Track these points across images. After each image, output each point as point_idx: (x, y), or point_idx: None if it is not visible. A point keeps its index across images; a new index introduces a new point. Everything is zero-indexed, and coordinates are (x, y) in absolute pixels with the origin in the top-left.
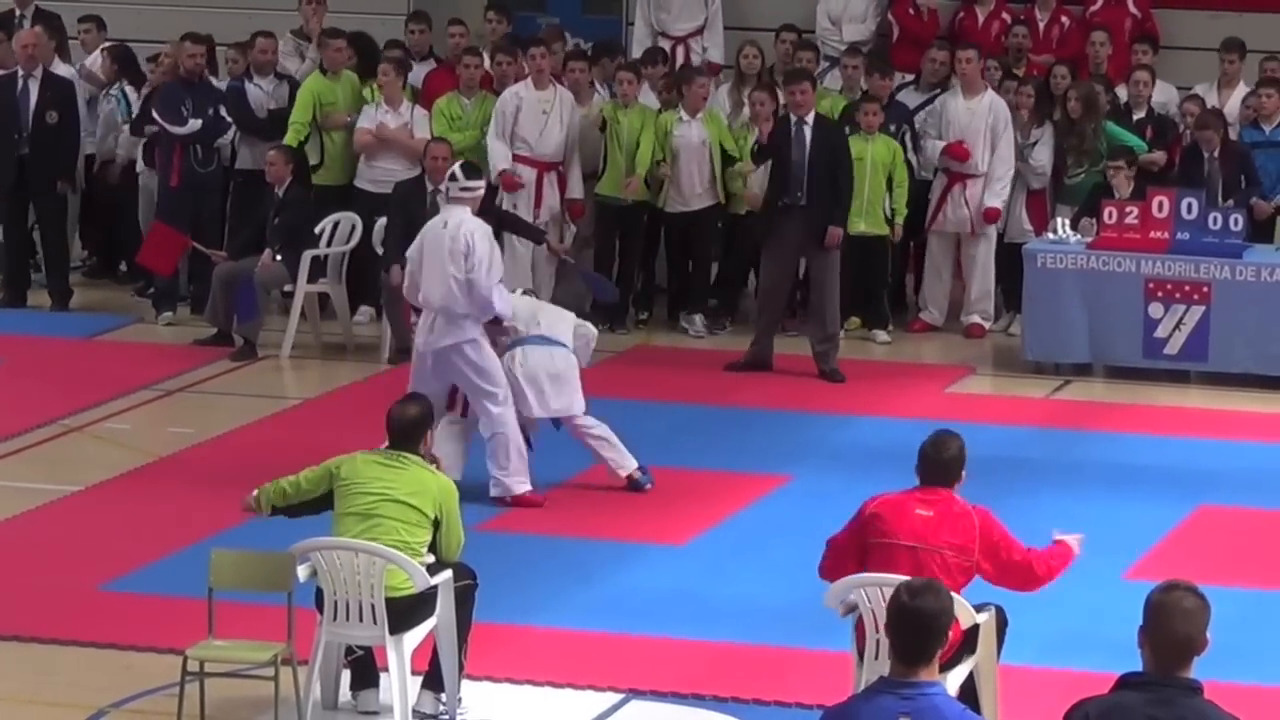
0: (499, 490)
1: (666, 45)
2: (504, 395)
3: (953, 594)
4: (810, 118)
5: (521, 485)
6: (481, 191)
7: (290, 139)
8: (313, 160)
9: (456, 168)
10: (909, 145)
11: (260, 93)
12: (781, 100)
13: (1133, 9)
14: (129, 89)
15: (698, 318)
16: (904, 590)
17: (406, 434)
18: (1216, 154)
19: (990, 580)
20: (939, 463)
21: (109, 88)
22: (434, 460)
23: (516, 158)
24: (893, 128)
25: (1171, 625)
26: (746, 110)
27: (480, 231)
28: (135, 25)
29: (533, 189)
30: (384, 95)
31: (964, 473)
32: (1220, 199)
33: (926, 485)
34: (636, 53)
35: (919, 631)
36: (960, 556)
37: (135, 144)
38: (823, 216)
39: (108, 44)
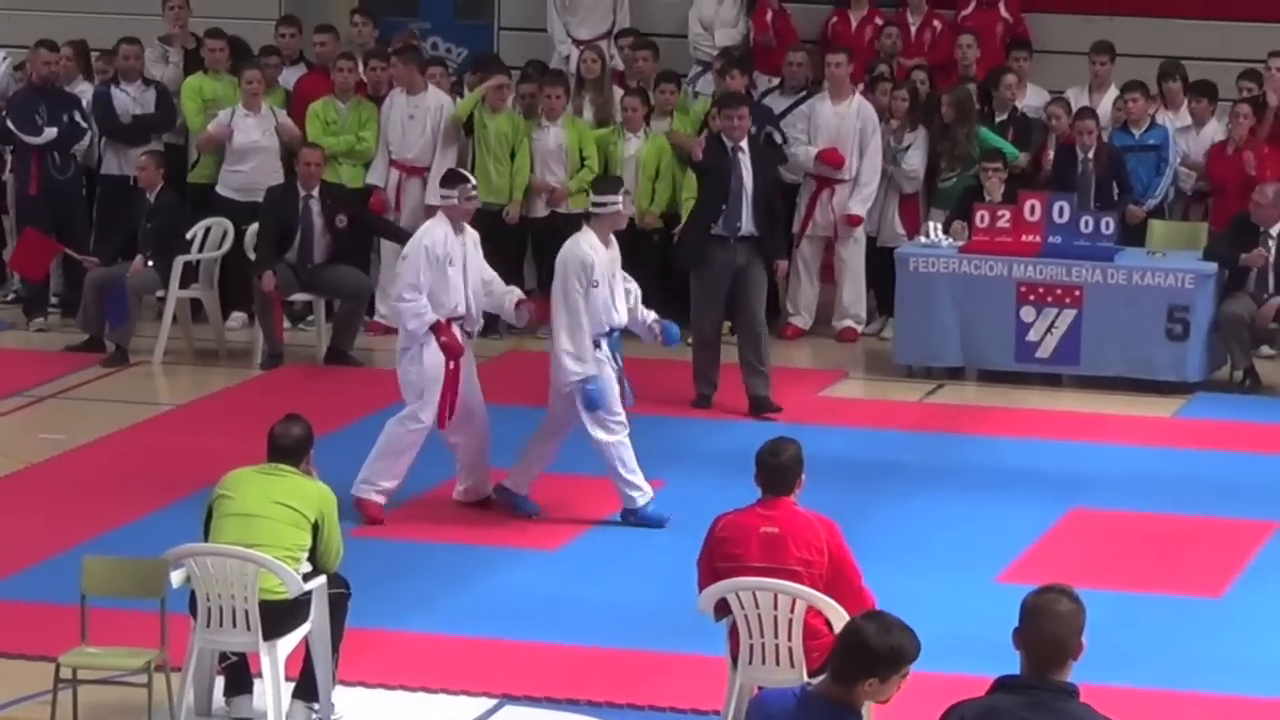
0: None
1: (575, 50)
2: (409, 412)
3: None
4: (745, 143)
5: (373, 493)
6: (452, 200)
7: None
8: (191, 158)
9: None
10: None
11: (126, 98)
12: (716, 124)
13: (1004, 13)
14: None
15: None
16: (861, 620)
17: (289, 452)
18: (1092, 154)
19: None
20: (776, 467)
21: None
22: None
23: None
24: (753, 130)
25: (1047, 628)
26: (588, 114)
27: (413, 240)
28: (4, 32)
29: (394, 192)
30: (244, 99)
31: (803, 477)
32: (1093, 202)
33: (767, 495)
34: (556, 60)
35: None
36: (811, 570)
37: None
38: (766, 247)
39: None
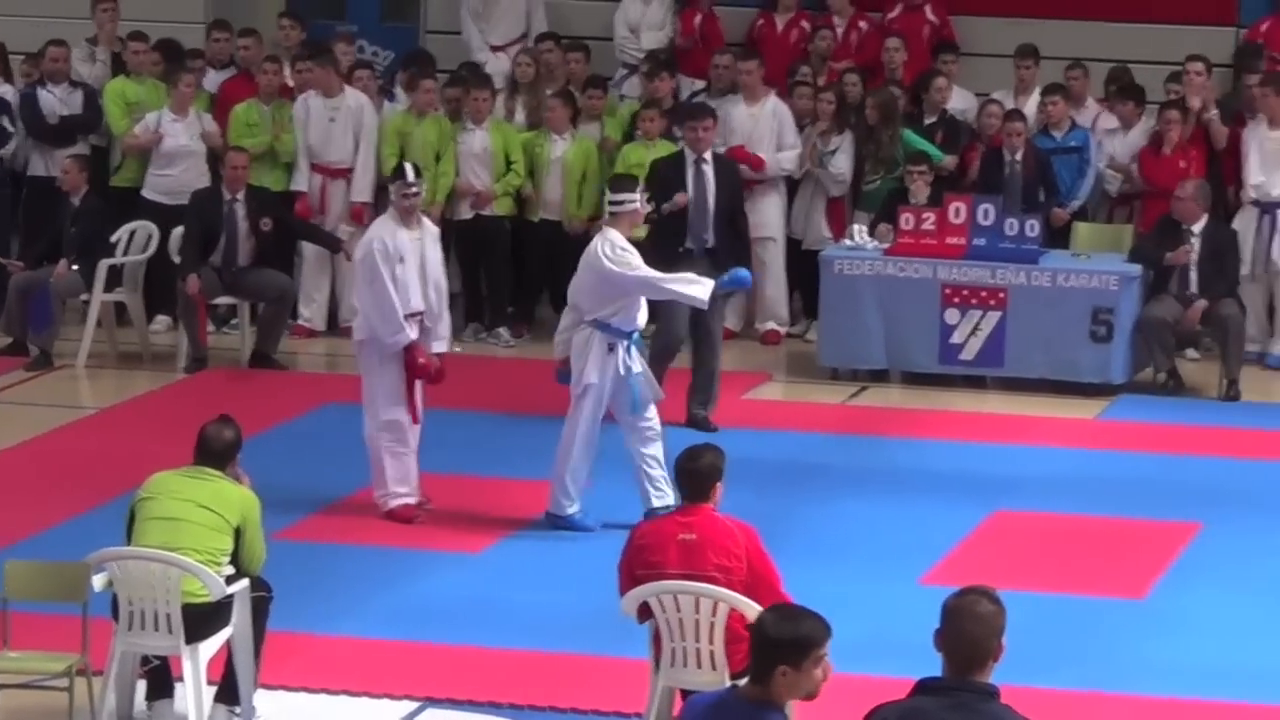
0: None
1: (492, 56)
2: (370, 413)
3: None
4: (709, 155)
5: (396, 500)
6: (405, 192)
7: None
8: (114, 161)
9: (408, 166)
10: None
11: (53, 99)
12: (679, 137)
13: (930, 16)
14: None
15: (503, 330)
16: (768, 617)
17: (218, 455)
18: (1019, 156)
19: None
20: (693, 473)
21: None
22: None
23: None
24: (675, 131)
25: (967, 630)
26: (520, 117)
27: (362, 243)
28: None
29: (318, 195)
30: (173, 102)
31: (721, 484)
32: (1020, 204)
33: (686, 502)
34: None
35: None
36: (729, 576)
37: None
38: (728, 262)
39: None
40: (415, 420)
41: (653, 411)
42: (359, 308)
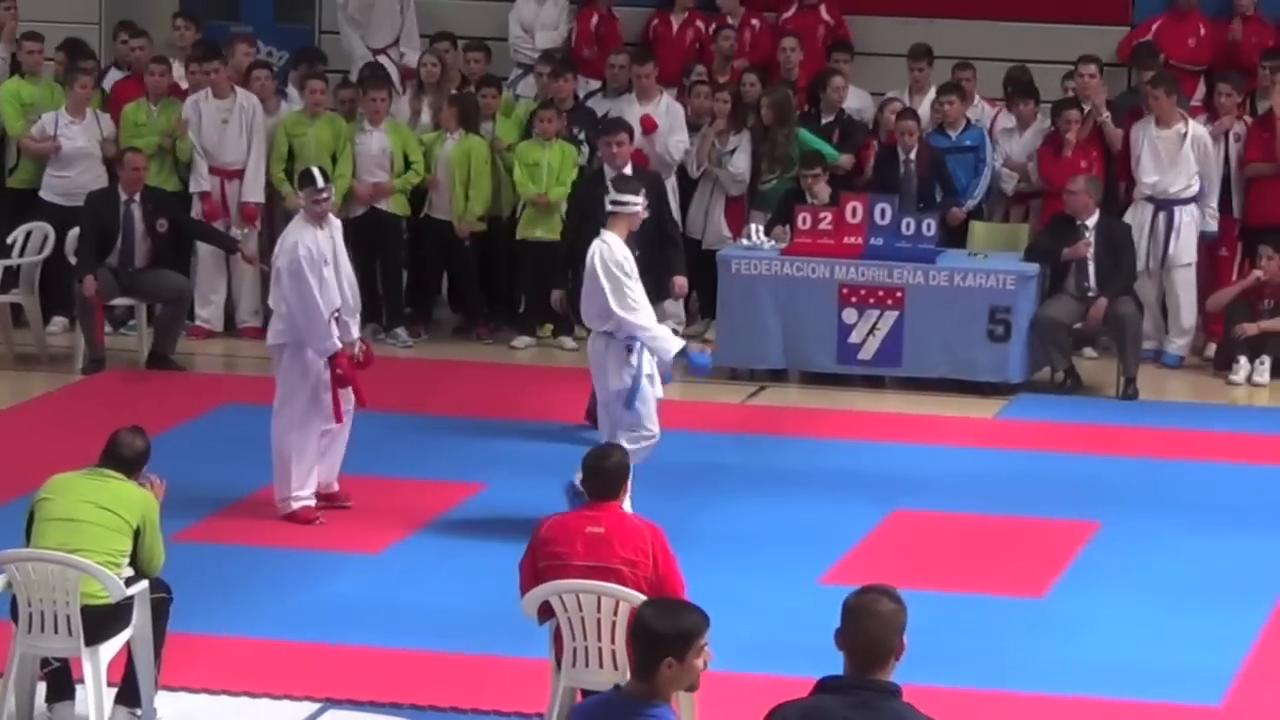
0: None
1: (372, 59)
2: (282, 416)
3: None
4: (628, 170)
5: (298, 503)
6: (316, 198)
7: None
8: (9, 162)
9: (315, 171)
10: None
11: None
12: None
13: (825, 15)
14: None
15: (400, 330)
16: (648, 609)
17: (127, 463)
18: (914, 154)
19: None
20: (601, 472)
21: None
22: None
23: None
24: (574, 131)
25: (868, 628)
26: (426, 118)
27: (285, 251)
28: None
29: (217, 196)
30: (70, 104)
31: (629, 484)
32: (916, 203)
33: (594, 500)
34: (358, 66)
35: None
36: (635, 570)
37: None
38: (663, 269)
39: None
40: (339, 420)
41: (655, 422)
42: (279, 311)
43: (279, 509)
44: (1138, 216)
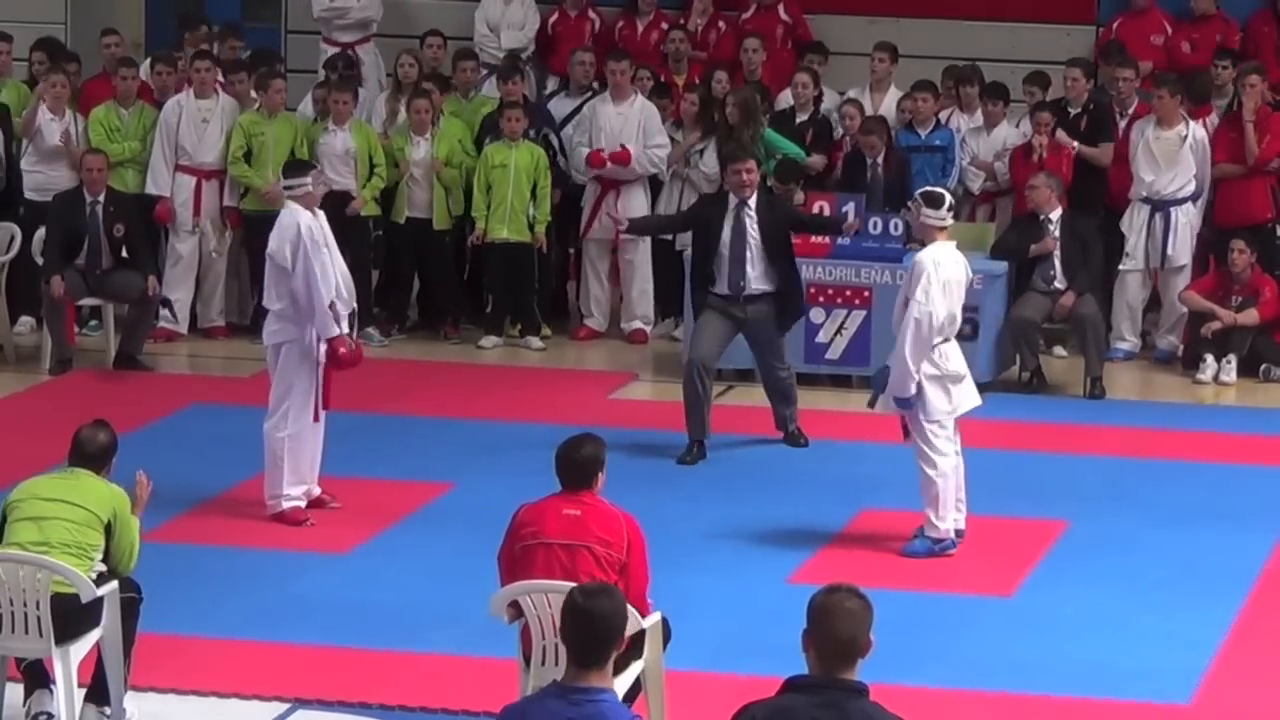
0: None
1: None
2: (281, 415)
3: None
4: (753, 201)
5: (288, 502)
6: (306, 187)
7: None
8: None
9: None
10: (557, 150)
11: None
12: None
13: (784, 15)
14: None
15: (372, 330)
16: (578, 592)
17: (92, 458)
18: (881, 159)
19: None
20: (574, 463)
21: None
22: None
23: (178, 166)
24: (533, 133)
25: (835, 627)
26: (403, 117)
27: (284, 235)
28: None
29: (191, 196)
30: (49, 102)
31: (602, 475)
32: (883, 204)
33: (567, 489)
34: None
35: (593, 634)
36: (609, 550)
37: None
38: (785, 304)
39: None
40: (316, 418)
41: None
42: (275, 308)
43: (268, 507)
44: (1134, 217)
